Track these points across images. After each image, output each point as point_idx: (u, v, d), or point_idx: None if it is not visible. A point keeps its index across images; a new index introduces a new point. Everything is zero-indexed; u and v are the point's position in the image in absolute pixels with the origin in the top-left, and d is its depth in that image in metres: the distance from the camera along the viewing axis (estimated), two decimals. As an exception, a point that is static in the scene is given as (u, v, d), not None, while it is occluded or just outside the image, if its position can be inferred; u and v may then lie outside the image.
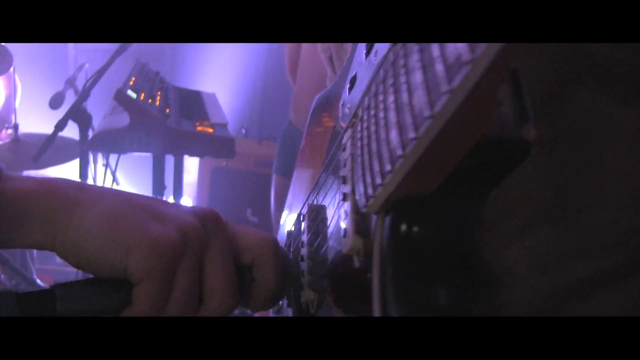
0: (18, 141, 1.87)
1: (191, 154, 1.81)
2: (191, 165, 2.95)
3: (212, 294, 0.42)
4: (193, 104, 2.04)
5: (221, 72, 3.23)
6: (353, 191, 0.43)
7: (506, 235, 0.38)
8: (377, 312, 0.37)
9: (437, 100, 0.30)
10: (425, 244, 0.35)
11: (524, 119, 0.32)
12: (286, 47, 2.22)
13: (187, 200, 3.00)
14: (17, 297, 0.39)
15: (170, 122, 1.75)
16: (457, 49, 0.29)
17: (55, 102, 2.07)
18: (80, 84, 2.16)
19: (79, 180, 0.41)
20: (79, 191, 0.39)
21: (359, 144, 0.43)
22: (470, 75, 0.28)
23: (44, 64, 2.72)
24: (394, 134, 0.35)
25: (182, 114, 1.87)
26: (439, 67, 0.30)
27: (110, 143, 1.69)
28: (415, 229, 0.35)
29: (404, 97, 0.34)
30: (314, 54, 2.04)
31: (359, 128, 0.45)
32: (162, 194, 1.92)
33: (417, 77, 0.33)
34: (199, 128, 1.81)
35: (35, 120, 2.08)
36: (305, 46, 2.07)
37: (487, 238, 0.38)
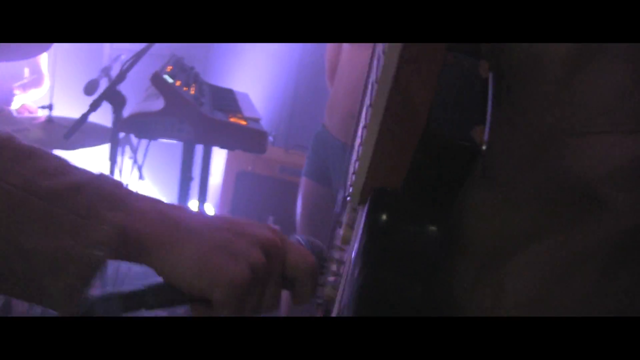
0: (51, 121, 1.88)
1: (222, 146, 1.79)
2: (216, 167, 2.93)
3: (260, 305, 0.54)
4: (226, 99, 2.04)
5: (252, 80, 3.23)
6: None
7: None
8: (337, 299, 0.42)
9: (372, 90, 0.35)
10: (392, 233, 0.38)
11: (478, 121, 0.35)
12: (326, 52, 2.21)
13: (209, 207, 2.98)
14: (122, 298, 0.51)
15: (204, 110, 1.74)
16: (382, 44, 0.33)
17: (89, 89, 2.08)
18: (115, 74, 2.16)
19: (175, 205, 0.54)
20: (176, 231, 0.50)
21: (357, 142, 0.49)
22: (387, 67, 0.32)
23: (81, 52, 2.74)
24: (359, 129, 0.40)
25: (215, 106, 1.86)
26: (376, 62, 0.35)
27: (142, 126, 1.68)
28: (384, 218, 0.39)
29: (367, 94, 0.39)
30: (351, 58, 2.03)
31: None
32: (188, 185, 1.90)
33: (373, 74, 0.38)
34: (232, 119, 1.80)
35: (70, 105, 2.09)
36: (344, 51, 2.06)
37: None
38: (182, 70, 1.97)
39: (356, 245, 0.41)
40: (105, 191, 0.47)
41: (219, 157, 2.91)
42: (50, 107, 1.89)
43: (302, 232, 2.22)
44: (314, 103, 2.90)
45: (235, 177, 2.91)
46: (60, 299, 0.44)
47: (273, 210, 2.89)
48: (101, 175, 0.48)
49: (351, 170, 0.47)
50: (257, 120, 1.88)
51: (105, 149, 1.89)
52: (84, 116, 1.65)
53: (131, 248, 0.48)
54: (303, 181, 2.19)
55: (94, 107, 1.68)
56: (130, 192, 0.50)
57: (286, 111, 3.31)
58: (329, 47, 2.20)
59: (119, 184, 0.49)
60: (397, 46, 0.31)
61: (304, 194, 2.19)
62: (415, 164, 0.37)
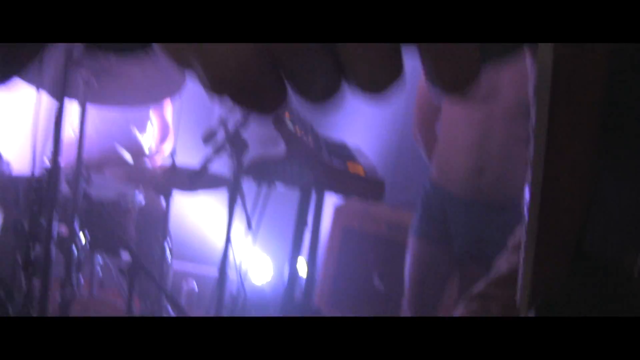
0: (174, 167, 1.92)
1: (338, 192, 1.76)
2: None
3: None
4: (341, 148, 2.02)
5: (356, 135, 3.23)
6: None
7: None
8: None
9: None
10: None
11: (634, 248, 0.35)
12: (416, 100, 2.15)
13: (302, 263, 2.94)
14: None
15: (324, 158, 1.72)
16: None
17: (207, 137, 2.12)
18: (232, 125, 2.19)
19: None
20: None
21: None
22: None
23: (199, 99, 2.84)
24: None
25: (332, 154, 1.84)
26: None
27: (263, 171, 1.68)
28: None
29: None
30: (461, 111, 1.95)
31: None
32: (303, 232, 1.87)
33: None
34: (350, 167, 1.77)
35: (188, 154, 2.15)
36: (447, 105, 2.00)
37: None
38: (298, 119, 1.98)
39: None
40: None
41: (325, 213, 2.89)
42: (173, 152, 1.94)
43: (411, 294, 2.09)
44: (420, 157, 2.83)
45: (340, 233, 2.86)
46: None
47: (378, 269, 2.81)
48: None
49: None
50: (373, 169, 1.85)
51: (220, 196, 1.91)
52: (208, 160, 1.68)
53: None
54: (413, 241, 2.09)
55: (217, 151, 1.70)
56: None
57: (390, 167, 3.26)
58: (418, 97, 2.14)
59: None
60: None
61: (415, 254, 2.07)
62: (570, 278, 0.37)
